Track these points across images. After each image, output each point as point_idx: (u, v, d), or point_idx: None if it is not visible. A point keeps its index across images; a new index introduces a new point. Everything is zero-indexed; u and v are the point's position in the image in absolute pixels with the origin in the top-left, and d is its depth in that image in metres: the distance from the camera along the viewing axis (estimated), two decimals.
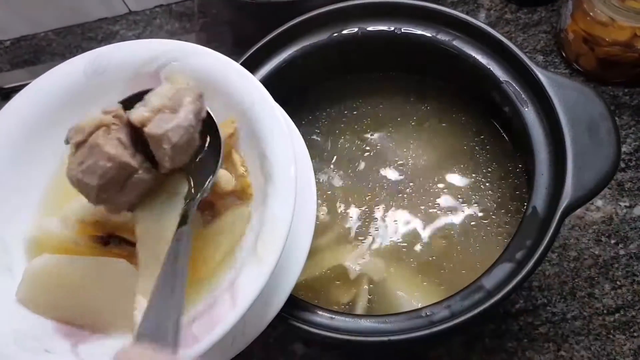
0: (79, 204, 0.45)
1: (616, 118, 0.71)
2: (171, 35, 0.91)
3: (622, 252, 0.65)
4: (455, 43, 0.58)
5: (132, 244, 0.43)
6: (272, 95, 0.46)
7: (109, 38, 0.93)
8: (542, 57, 0.77)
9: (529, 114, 0.54)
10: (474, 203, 0.59)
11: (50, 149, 0.49)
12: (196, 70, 0.48)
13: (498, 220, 0.58)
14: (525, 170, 0.58)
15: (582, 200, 0.48)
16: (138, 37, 0.92)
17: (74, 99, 0.50)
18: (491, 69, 0.56)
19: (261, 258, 0.39)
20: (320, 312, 0.48)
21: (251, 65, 0.58)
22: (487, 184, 0.60)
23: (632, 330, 0.61)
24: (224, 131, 0.46)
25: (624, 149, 0.69)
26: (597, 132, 0.49)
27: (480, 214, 0.58)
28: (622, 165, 0.69)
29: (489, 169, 0.60)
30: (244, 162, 0.46)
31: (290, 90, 0.62)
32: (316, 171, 0.50)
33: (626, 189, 0.68)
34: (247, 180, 0.45)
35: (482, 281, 0.47)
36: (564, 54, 0.76)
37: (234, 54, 0.84)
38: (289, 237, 0.40)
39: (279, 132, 0.44)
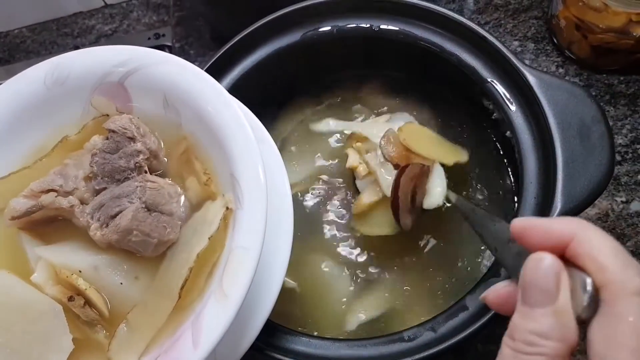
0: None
1: (611, 108, 0.68)
2: (149, 28, 0.88)
3: None
4: (437, 40, 0.54)
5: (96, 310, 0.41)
6: (242, 100, 0.44)
7: (85, 33, 0.91)
8: (533, 44, 0.73)
9: (516, 116, 0.50)
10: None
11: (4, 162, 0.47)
12: (161, 79, 0.46)
13: None
14: (514, 176, 0.55)
15: (573, 212, 0.45)
16: (115, 31, 0.90)
17: (34, 111, 0.48)
18: (475, 67, 0.53)
19: (226, 293, 0.36)
20: (297, 338, 0.45)
21: (220, 69, 0.55)
22: (474, 192, 0.57)
23: None
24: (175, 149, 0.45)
25: (619, 140, 0.66)
26: (588, 136, 0.46)
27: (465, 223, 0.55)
28: (618, 158, 0.66)
29: (475, 176, 0.57)
30: (206, 170, 0.44)
31: (263, 93, 0.59)
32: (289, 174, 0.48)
33: (622, 183, 0.65)
34: (210, 189, 0.43)
35: (465, 301, 0.44)
36: (555, 41, 0.72)
37: (210, 49, 0.82)
38: (257, 268, 0.37)
39: (247, 150, 0.41)
